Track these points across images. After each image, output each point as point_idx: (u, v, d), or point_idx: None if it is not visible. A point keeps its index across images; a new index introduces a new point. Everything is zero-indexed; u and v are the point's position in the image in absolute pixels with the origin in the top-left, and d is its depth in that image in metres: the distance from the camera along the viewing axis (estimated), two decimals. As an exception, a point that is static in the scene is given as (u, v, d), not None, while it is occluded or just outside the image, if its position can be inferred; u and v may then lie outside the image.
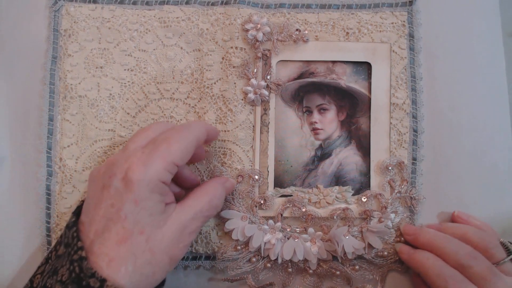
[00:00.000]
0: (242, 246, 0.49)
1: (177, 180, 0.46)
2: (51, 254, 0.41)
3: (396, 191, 0.50)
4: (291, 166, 0.51)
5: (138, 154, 0.38)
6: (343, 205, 0.50)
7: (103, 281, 0.34)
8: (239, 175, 0.49)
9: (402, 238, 0.49)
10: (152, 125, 0.43)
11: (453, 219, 0.50)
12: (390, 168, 0.50)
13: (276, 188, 0.50)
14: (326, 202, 0.50)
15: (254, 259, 0.49)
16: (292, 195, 0.50)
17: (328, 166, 0.51)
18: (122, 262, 0.35)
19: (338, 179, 0.51)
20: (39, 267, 0.41)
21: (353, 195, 0.50)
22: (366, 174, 0.51)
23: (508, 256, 0.45)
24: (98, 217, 0.37)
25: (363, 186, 0.51)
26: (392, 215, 0.49)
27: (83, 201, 0.42)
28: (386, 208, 0.49)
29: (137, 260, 0.36)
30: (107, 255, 0.35)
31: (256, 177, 0.49)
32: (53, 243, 0.49)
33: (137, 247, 0.36)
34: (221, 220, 0.50)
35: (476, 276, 0.42)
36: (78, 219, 0.39)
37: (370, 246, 0.49)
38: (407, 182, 0.50)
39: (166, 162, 0.38)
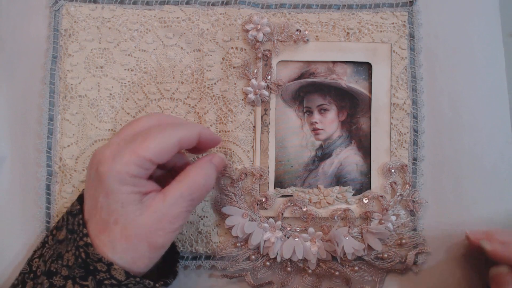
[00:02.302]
0: (242, 243, 0.49)
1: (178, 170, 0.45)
2: (48, 239, 0.42)
3: (398, 193, 0.50)
4: (292, 166, 0.51)
5: (113, 146, 0.38)
6: (344, 206, 0.50)
7: (110, 264, 0.36)
8: (242, 173, 0.49)
9: (404, 241, 0.49)
10: (144, 117, 0.42)
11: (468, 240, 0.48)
12: (392, 170, 0.50)
13: (276, 188, 0.50)
14: (327, 202, 0.50)
15: (253, 257, 0.49)
16: (292, 195, 0.50)
17: (329, 166, 0.51)
18: (105, 250, 0.37)
19: (338, 179, 0.51)
20: (35, 251, 0.42)
21: (353, 195, 0.50)
22: (367, 174, 0.51)
23: None
24: (86, 206, 0.39)
25: (363, 186, 0.51)
26: (393, 218, 0.49)
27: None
28: (387, 210, 0.49)
29: (115, 248, 0.37)
30: (94, 242, 0.37)
31: (259, 174, 0.49)
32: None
33: (114, 236, 0.37)
34: (221, 219, 0.50)
35: None
36: (82, 207, 0.40)
37: (370, 247, 0.49)
38: (410, 185, 0.50)
39: (137, 157, 0.37)
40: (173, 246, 0.47)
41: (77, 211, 0.40)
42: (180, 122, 0.42)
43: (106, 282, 0.36)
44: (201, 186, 0.40)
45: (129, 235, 0.37)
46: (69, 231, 0.40)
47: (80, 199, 0.41)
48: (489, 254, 0.44)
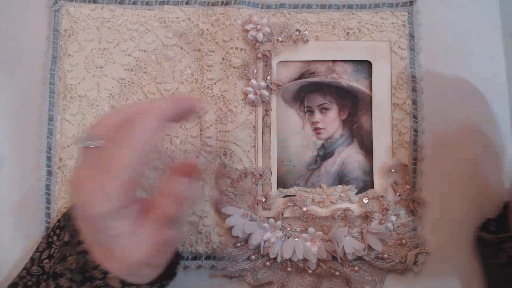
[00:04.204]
0: (242, 243, 0.49)
1: None
2: (52, 239, 0.43)
3: (398, 193, 0.50)
4: (294, 167, 0.51)
5: (91, 185, 0.34)
6: (347, 204, 0.50)
7: (105, 272, 0.36)
8: (241, 173, 0.49)
9: (405, 241, 0.49)
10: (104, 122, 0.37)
11: None
12: (392, 170, 0.50)
13: (279, 188, 0.50)
14: (330, 201, 0.50)
15: (253, 257, 0.49)
16: (295, 195, 0.50)
17: (331, 166, 0.51)
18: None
19: (341, 178, 0.51)
20: (42, 252, 0.43)
21: (356, 193, 0.50)
22: (369, 172, 0.51)
23: None
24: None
25: (366, 184, 0.51)
26: (393, 218, 0.49)
27: None
28: (387, 210, 0.49)
29: (121, 273, 0.36)
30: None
31: (259, 174, 0.49)
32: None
33: (117, 264, 0.36)
34: (221, 219, 0.50)
35: None
36: None
37: (370, 247, 0.49)
38: (410, 186, 0.50)
39: (121, 189, 0.34)
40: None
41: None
42: (140, 123, 0.35)
43: None
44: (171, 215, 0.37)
45: (129, 266, 0.36)
46: (70, 234, 0.39)
47: None
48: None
